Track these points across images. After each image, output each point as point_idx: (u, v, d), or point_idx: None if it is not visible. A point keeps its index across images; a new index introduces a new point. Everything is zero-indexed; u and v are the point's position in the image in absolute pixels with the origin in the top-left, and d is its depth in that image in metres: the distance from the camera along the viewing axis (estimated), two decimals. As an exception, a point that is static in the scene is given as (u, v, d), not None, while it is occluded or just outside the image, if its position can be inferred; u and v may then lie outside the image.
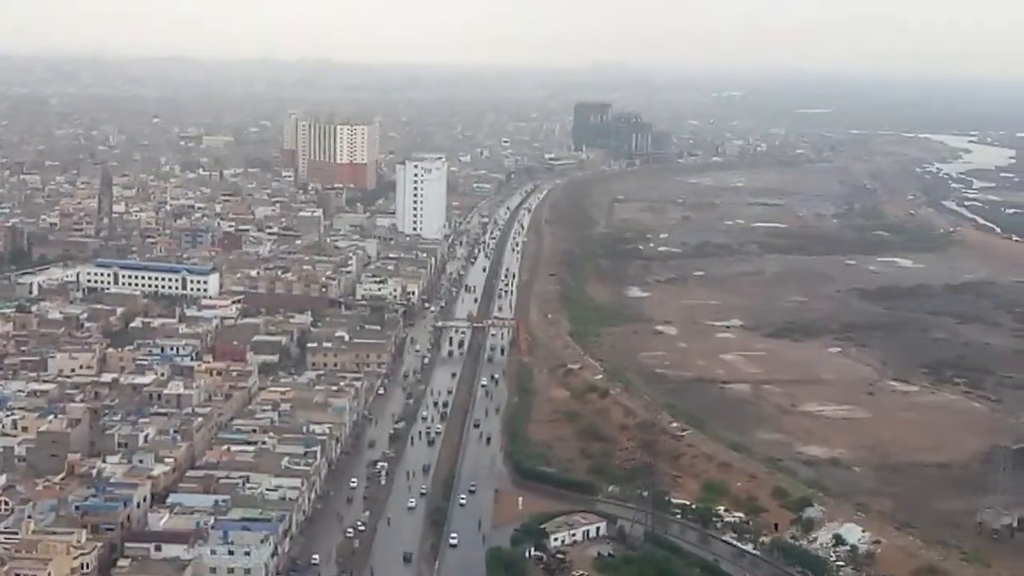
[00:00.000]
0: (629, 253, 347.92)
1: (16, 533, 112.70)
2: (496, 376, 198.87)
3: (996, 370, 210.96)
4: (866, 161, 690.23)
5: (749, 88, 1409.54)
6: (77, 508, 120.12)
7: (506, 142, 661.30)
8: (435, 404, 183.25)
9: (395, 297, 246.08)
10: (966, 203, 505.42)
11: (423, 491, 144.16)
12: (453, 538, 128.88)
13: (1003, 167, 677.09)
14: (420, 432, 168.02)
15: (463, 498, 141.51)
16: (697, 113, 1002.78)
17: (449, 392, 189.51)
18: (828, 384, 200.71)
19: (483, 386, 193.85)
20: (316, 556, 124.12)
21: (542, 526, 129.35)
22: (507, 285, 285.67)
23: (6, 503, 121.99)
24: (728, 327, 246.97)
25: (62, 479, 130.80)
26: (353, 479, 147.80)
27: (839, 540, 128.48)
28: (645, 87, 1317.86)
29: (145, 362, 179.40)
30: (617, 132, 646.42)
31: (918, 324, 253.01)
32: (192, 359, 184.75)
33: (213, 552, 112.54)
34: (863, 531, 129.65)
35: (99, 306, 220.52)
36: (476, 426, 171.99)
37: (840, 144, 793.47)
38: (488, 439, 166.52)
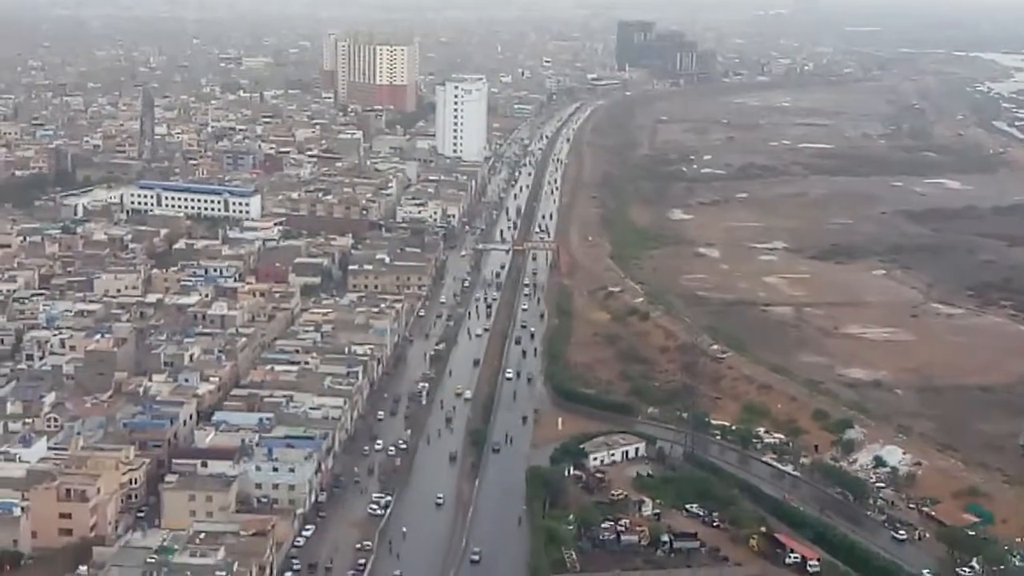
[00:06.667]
0: (672, 175, 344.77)
1: (66, 449, 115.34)
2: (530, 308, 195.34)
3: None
4: (915, 80, 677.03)
5: (795, 5, 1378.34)
6: (125, 425, 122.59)
7: (547, 62, 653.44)
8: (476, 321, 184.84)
9: (435, 220, 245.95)
10: (1017, 123, 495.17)
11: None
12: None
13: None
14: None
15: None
16: (742, 32, 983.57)
17: (488, 317, 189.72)
18: (872, 306, 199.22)
19: (524, 309, 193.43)
20: (357, 471, 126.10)
21: (581, 446, 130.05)
22: (548, 208, 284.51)
23: (55, 420, 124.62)
24: (771, 249, 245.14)
25: (109, 397, 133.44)
26: (395, 399, 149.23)
27: (879, 462, 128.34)
28: (688, 5, 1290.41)
29: (189, 283, 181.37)
30: (661, 52, 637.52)
31: (965, 246, 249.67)
32: (235, 280, 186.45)
33: (258, 468, 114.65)
34: (904, 453, 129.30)
35: (143, 228, 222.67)
36: (518, 342, 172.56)
37: (888, 63, 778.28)
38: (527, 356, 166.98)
